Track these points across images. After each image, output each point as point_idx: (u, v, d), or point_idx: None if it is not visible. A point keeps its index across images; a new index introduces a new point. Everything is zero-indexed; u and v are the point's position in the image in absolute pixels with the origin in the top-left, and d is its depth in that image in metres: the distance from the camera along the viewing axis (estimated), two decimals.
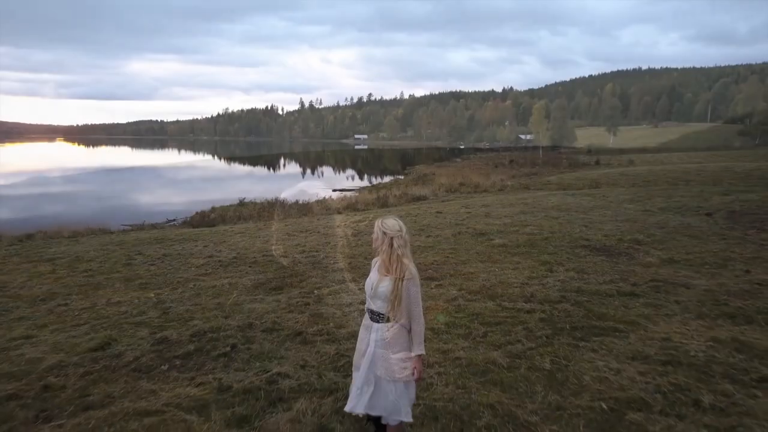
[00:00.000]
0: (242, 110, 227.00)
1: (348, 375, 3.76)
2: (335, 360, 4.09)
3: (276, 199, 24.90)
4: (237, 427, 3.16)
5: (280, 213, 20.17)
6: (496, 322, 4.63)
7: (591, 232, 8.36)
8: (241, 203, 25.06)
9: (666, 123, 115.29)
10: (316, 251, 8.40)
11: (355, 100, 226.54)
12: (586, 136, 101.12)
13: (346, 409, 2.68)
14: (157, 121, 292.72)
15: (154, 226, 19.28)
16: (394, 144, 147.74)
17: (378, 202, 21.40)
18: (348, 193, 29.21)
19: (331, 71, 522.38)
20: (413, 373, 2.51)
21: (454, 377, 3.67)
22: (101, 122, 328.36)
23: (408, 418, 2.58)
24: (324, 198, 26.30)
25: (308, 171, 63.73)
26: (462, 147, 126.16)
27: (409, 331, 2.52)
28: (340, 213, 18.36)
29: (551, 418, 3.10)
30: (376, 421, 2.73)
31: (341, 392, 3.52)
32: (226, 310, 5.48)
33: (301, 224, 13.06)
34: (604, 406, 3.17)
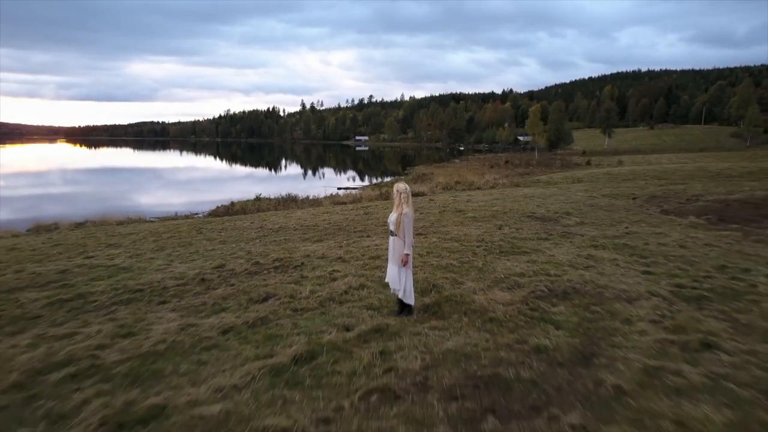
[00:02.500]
0: (244, 112, 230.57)
1: (372, 272, 6.97)
2: (363, 267, 7.32)
3: (289, 194, 28.28)
4: (318, 285, 6.37)
5: (294, 205, 23.40)
6: (457, 250, 7.87)
7: (539, 209, 11.62)
8: (258, 198, 28.39)
9: (662, 125, 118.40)
10: (339, 223, 11.64)
11: (356, 102, 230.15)
12: (584, 138, 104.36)
13: (386, 280, 5.39)
14: (158, 122, 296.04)
15: (187, 217, 22.46)
16: (394, 145, 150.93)
17: (380, 197, 24.61)
18: (353, 191, 32.47)
19: (331, 73, 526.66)
20: (404, 260, 5.19)
21: (427, 271, 6.89)
22: (103, 123, 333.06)
23: (412, 302, 5.25)
24: (331, 194, 29.61)
25: (313, 172, 66.97)
26: (462, 148, 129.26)
27: (404, 242, 5.28)
28: (346, 204, 21.56)
29: (476, 281, 6.31)
30: (399, 303, 5.30)
31: (368, 275, 6.75)
32: (290, 250, 8.71)
33: (320, 211, 16.30)
34: (502, 276, 6.39)
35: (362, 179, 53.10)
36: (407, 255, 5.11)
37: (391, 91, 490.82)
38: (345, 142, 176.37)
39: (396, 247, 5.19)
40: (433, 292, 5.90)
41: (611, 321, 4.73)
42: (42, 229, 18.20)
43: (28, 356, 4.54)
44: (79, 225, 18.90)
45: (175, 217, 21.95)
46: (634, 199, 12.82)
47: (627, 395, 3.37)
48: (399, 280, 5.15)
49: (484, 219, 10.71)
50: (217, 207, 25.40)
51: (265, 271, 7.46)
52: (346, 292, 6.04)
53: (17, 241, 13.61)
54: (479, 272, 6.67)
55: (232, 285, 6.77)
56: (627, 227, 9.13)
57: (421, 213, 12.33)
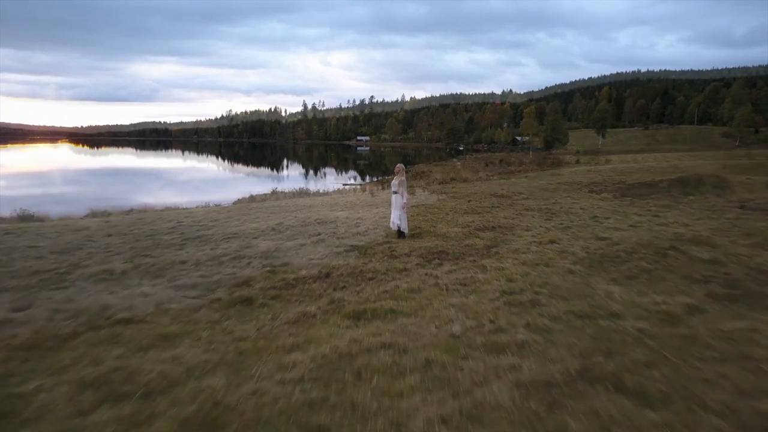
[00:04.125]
0: (246, 112, 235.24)
1: (382, 223, 11.17)
2: (375, 221, 11.57)
3: (301, 189, 32.47)
4: (349, 228, 10.59)
5: (308, 197, 27.55)
6: (436, 213, 12.14)
7: (501, 191, 15.88)
8: (274, 192, 32.57)
9: (657, 126, 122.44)
10: (353, 202, 15.89)
11: (357, 102, 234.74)
12: (580, 138, 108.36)
13: (391, 224, 9.84)
14: (160, 122, 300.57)
15: (217, 206, 26.53)
16: (395, 145, 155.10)
17: (383, 189, 28.64)
18: (357, 187, 36.66)
19: (331, 73, 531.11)
20: (403, 205, 9.74)
21: (414, 222, 11.11)
22: (105, 124, 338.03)
23: (406, 230, 9.76)
24: (337, 189, 33.85)
25: (317, 171, 71.18)
26: (461, 148, 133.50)
27: (402, 196, 9.73)
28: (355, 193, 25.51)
29: (443, 225, 10.54)
30: (398, 231, 9.80)
31: (380, 224, 10.98)
32: (323, 215, 12.96)
33: (334, 197, 20.54)
34: (459, 223, 10.62)
35: (364, 178, 57.06)
36: (405, 203, 9.35)
37: (392, 92, 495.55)
38: (347, 143, 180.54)
39: (396, 201, 9.44)
40: (417, 229, 10.13)
41: (511, 236, 8.97)
42: (97, 215, 22.37)
43: (203, 254, 8.76)
44: (127, 212, 23.07)
45: (208, 206, 26.09)
46: (577, 184, 17.04)
47: (500, 254, 7.59)
48: (399, 218, 9.38)
49: (460, 197, 14.96)
50: (239, 199, 29.57)
51: (311, 224, 11.69)
52: (366, 231, 10.28)
53: (102, 219, 17.78)
54: (447, 222, 10.91)
55: (293, 230, 11.00)
56: (555, 200, 13.37)
57: (413, 196, 16.61)
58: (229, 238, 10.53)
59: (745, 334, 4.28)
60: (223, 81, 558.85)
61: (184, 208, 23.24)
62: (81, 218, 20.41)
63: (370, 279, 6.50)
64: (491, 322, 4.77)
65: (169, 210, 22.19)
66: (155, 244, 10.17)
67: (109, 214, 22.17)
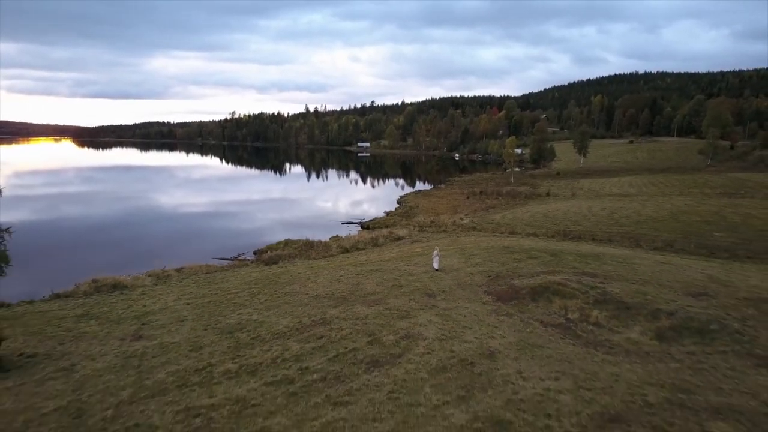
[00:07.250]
0: (249, 115, 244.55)
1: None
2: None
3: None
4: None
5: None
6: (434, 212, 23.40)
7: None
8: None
9: (642, 139, 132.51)
10: None
11: (358, 106, 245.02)
12: (568, 151, 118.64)
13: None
14: (165, 123, 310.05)
15: None
16: (395, 153, 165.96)
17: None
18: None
19: (353, 69, 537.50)
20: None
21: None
22: (110, 123, 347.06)
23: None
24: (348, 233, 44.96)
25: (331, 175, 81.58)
26: (457, 158, 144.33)
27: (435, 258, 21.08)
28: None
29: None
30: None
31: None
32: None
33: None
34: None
35: (363, 180, 67.08)
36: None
37: (407, 88, 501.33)
38: (347, 148, 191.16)
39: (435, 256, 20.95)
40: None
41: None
42: None
43: None
44: None
45: None
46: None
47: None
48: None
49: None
50: None
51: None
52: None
53: None
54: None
55: None
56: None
57: (402, 253, 27.73)
58: None
59: None
60: (240, 77, 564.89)
61: None
62: None
63: None
64: None
65: None
66: None
67: None
